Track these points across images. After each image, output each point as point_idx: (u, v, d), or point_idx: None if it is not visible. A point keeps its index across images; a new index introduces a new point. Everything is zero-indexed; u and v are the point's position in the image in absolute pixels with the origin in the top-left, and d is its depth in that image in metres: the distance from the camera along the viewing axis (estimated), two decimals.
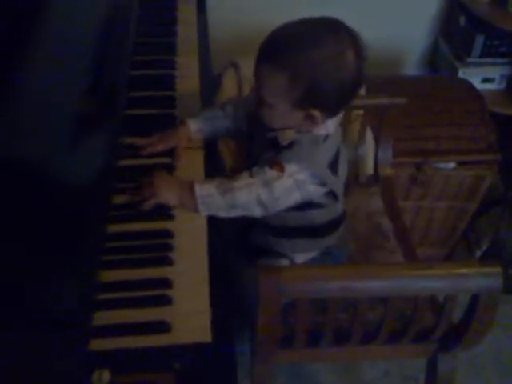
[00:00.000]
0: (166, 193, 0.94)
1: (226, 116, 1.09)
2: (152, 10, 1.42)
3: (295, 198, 0.95)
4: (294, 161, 0.92)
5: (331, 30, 0.88)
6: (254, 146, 1.05)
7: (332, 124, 0.96)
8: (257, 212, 0.95)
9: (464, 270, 0.93)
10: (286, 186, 0.93)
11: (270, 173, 0.93)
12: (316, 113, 0.90)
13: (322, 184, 0.96)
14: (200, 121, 1.08)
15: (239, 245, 1.15)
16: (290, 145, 0.94)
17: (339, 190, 1.01)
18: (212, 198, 0.93)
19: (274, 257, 1.09)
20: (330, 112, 0.93)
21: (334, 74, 0.88)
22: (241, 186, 0.93)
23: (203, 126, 1.08)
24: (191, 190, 0.93)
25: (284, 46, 0.88)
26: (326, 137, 0.95)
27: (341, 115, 0.99)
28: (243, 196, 0.93)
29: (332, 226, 1.09)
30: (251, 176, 0.94)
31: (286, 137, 0.95)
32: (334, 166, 0.97)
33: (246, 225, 1.11)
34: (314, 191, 0.97)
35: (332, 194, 1.00)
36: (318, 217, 1.04)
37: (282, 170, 0.92)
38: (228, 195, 0.93)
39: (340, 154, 0.99)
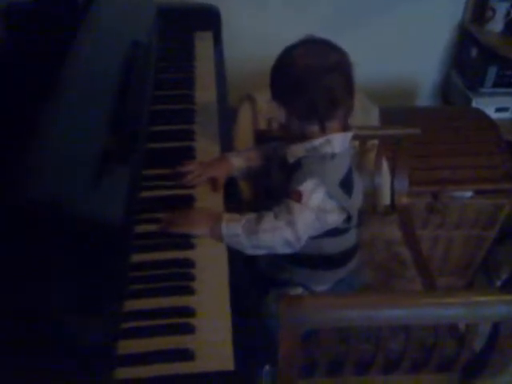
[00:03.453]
0: (200, 227, 0.96)
1: (262, 156, 1.13)
2: (170, 46, 1.47)
3: (316, 229, 0.97)
4: (307, 177, 0.94)
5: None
6: (271, 176, 1.08)
7: (338, 144, 0.97)
8: (283, 251, 0.97)
9: (484, 298, 0.92)
10: (308, 222, 0.95)
11: (292, 206, 0.94)
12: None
13: (340, 207, 0.97)
14: (242, 160, 1.12)
15: (248, 272, 1.16)
16: (299, 164, 0.97)
17: (353, 211, 1.01)
18: (238, 238, 0.95)
19: (284, 286, 1.09)
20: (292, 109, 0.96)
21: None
22: (266, 228, 0.94)
23: (244, 165, 1.12)
24: (220, 225, 0.95)
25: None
26: (333, 156, 0.96)
27: (349, 137, 0.99)
28: (268, 238, 0.94)
29: (345, 256, 1.09)
30: (276, 217, 0.95)
31: (294, 154, 0.98)
32: (345, 186, 0.97)
33: None
34: (333, 222, 0.99)
35: (347, 217, 1.01)
36: (330, 246, 1.05)
37: (299, 196, 0.94)
38: (253, 237, 0.94)
39: (354, 178, 1.01)
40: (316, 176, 0.94)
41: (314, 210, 0.95)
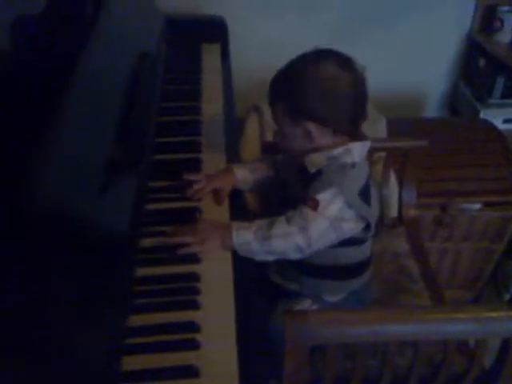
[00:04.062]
0: (210, 242, 0.95)
1: (267, 168, 1.13)
2: (177, 57, 1.47)
3: (330, 239, 0.96)
4: (325, 187, 0.94)
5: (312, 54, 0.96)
6: (287, 186, 1.07)
7: (357, 153, 0.97)
8: (294, 256, 0.97)
9: (493, 314, 0.91)
10: (322, 229, 0.94)
11: (306, 213, 0.94)
12: (310, 126, 0.94)
13: (358, 216, 0.96)
14: (246, 171, 1.11)
15: (258, 283, 1.15)
16: (319, 173, 0.96)
17: (372, 220, 1.00)
18: (249, 246, 0.95)
19: (293, 297, 1.09)
20: (326, 124, 0.94)
21: (314, 85, 0.93)
22: (278, 233, 0.94)
23: (249, 176, 1.12)
24: (230, 235, 0.95)
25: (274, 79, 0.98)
26: (353, 165, 0.96)
27: (367, 146, 0.99)
28: (280, 244, 0.94)
29: (361, 267, 1.09)
30: (288, 221, 0.95)
31: (314, 163, 0.97)
32: (364, 194, 0.97)
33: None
34: (349, 231, 0.97)
35: (366, 227, 1.00)
36: (347, 256, 1.04)
37: (316, 204, 0.93)
38: (265, 243, 0.94)
39: (371, 188, 1.00)
40: (335, 186, 0.94)
41: (330, 218, 0.94)
